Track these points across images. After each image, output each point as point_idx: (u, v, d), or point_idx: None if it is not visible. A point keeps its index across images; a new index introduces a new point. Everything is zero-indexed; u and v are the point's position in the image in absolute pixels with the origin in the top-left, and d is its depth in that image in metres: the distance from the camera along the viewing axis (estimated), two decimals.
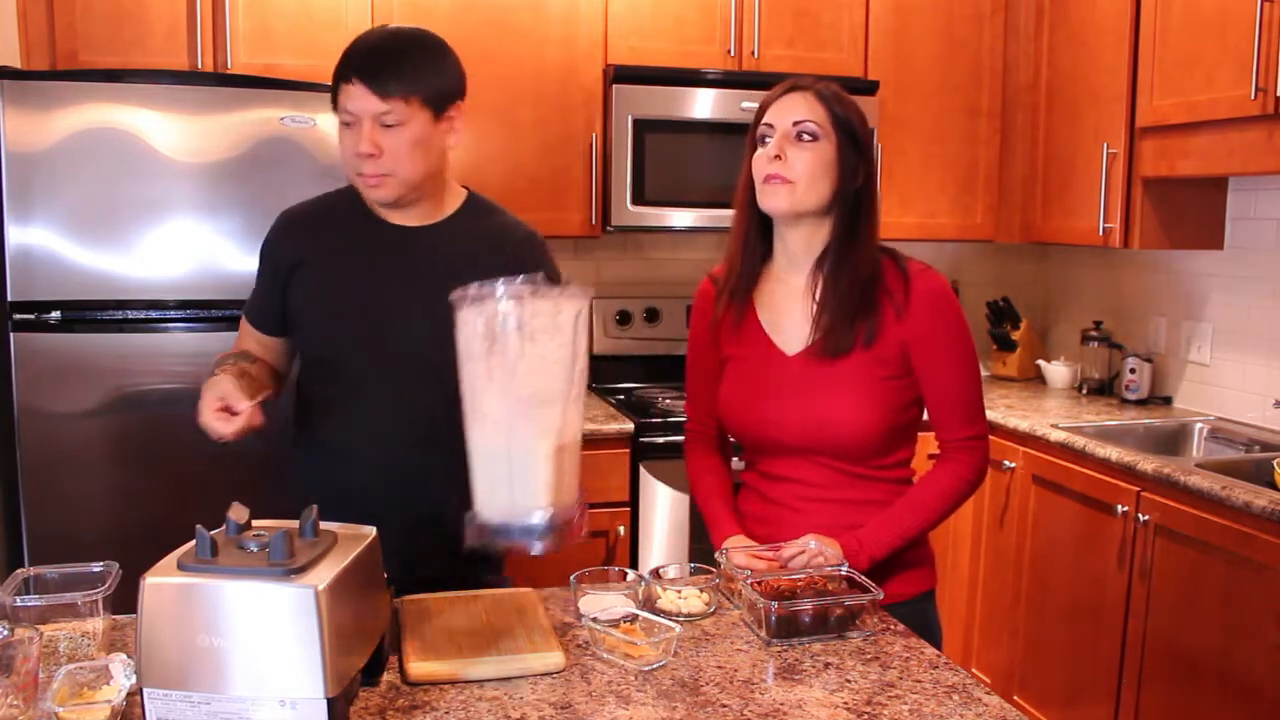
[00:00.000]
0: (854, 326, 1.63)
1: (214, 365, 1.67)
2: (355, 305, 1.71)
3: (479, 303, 1.13)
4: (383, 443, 1.71)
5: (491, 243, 1.73)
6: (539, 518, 1.14)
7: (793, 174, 1.61)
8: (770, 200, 1.64)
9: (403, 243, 1.72)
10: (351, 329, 1.71)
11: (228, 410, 1.50)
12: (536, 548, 1.16)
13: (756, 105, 1.69)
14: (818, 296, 1.66)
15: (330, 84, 1.66)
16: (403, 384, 1.69)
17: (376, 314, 1.70)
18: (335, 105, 1.65)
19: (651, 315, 3.55)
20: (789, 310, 1.70)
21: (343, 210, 1.75)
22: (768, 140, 1.64)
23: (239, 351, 1.79)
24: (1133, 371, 3.34)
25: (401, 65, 1.60)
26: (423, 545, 1.62)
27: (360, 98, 1.58)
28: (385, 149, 1.60)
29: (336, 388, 1.74)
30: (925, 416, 1.72)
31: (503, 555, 1.85)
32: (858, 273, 1.63)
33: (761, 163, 1.64)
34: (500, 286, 1.13)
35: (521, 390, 1.11)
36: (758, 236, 1.71)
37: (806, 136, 1.62)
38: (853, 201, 1.65)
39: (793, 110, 1.63)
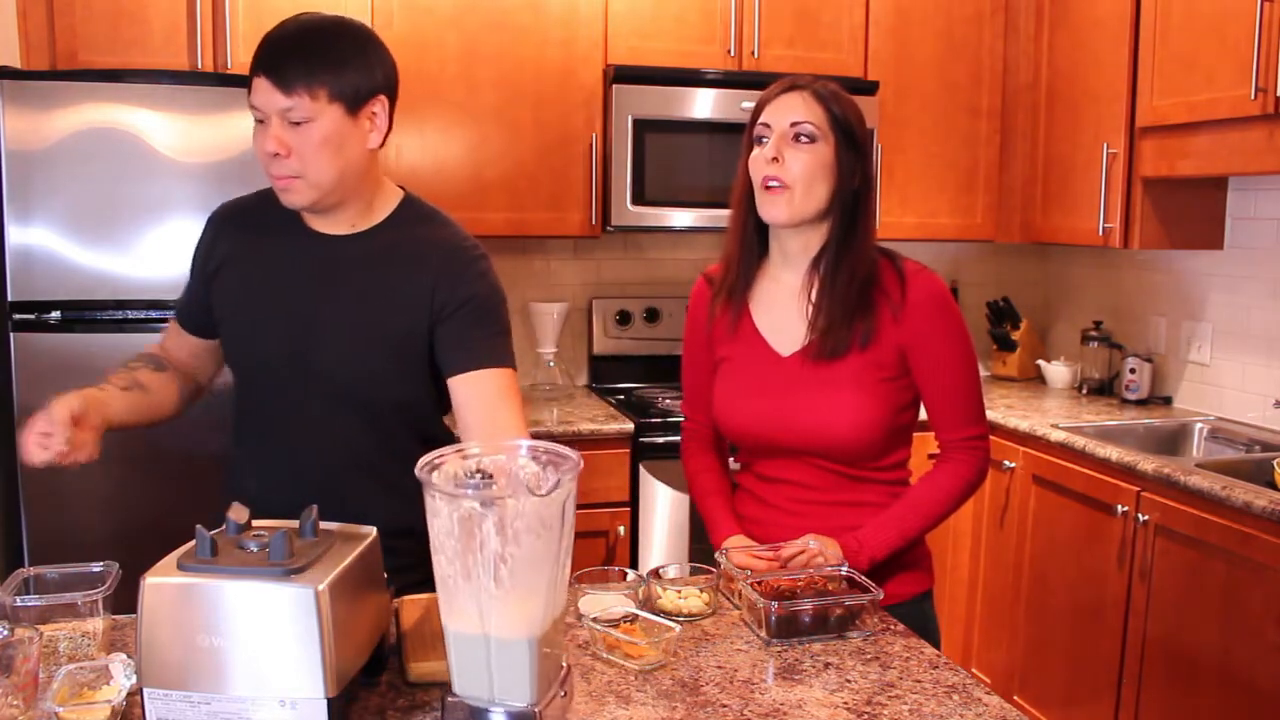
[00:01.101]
0: (851, 328, 1.62)
1: (117, 367, 1.61)
2: (272, 316, 1.60)
3: (451, 499, 1.01)
4: (302, 463, 1.60)
5: (416, 258, 1.59)
6: (522, 708, 1.06)
7: (790, 177, 1.60)
8: (769, 210, 1.63)
9: (322, 252, 1.60)
10: (268, 341, 1.60)
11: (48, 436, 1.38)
12: None
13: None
14: (813, 298, 1.66)
15: None
16: (322, 402, 1.59)
17: (292, 327, 1.58)
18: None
19: (651, 315, 3.55)
20: (784, 311, 1.70)
21: (275, 211, 1.60)
22: (764, 140, 1.64)
23: (149, 355, 1.71)
24: (1133, 371, 3.34)
25: (308, 57, 1.47)
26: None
27: (264, 92, 1.47)
28: (293, 148, 1.48)
29: (258, 400, 1.65)
30: (923, 417, 1.71)
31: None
32: (854, 273, 1.63)
33: (759, 164, 1.63)
34: (478, 481, 1.03)
35: (500, 591, 1.02)
36: (755, 236, 1.71)
37: (804, 138, 1.61)
38: (850, 203, 1.64)
39: (790, 110, 1.62)
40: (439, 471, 1.06)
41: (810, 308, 1.66)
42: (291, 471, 1.60)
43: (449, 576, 1.04)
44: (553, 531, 1.02)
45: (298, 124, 1.47)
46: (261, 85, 1.48)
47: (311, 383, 1.58)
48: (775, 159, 1.61)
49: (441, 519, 1.02)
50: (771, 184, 1.62)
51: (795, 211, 1.62)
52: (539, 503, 1.00)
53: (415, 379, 1.61)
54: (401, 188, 1.68)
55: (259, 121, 1.50)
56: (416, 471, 1.05)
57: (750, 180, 1.66)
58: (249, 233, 1.65)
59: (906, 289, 1.63)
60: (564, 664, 1.15)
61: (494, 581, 1.01)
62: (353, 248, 1.60)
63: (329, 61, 1.48)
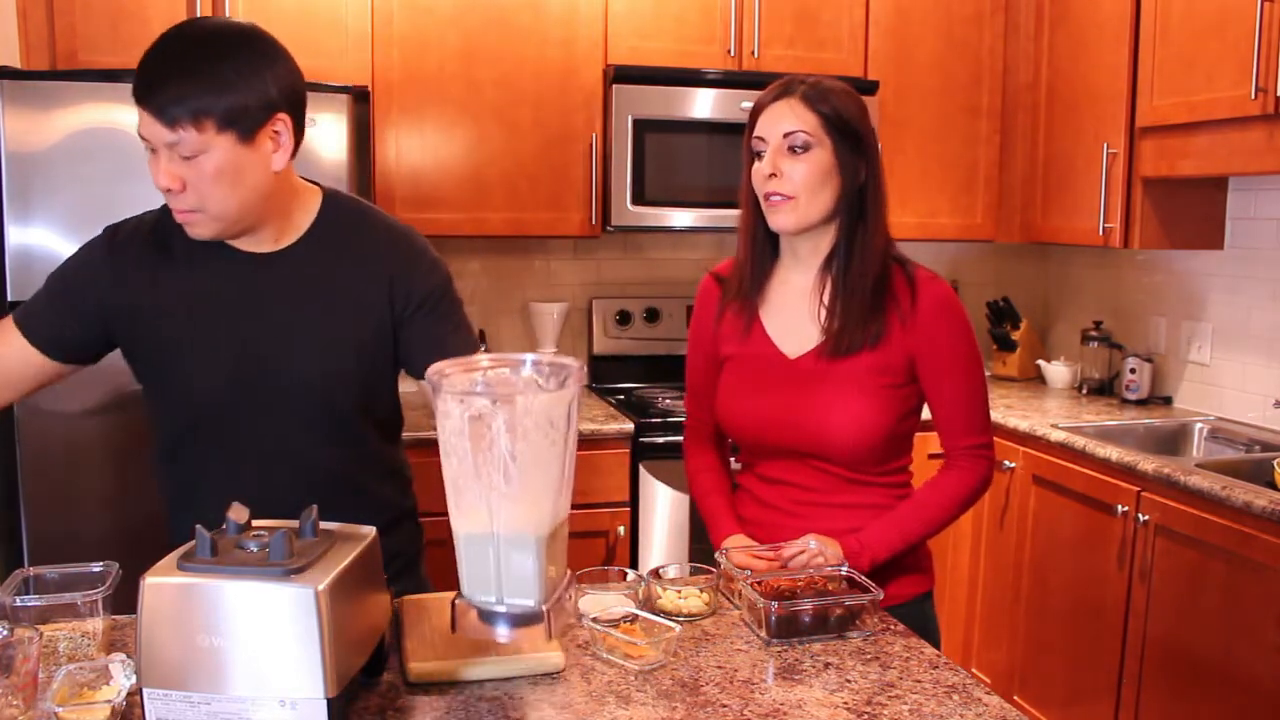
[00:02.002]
0: (865, 327, 1.62)
1: None
2: (214, 349, 1.48)
3: (462, 398, 1.04)
4: (273, 485, 1.46)
5: (361, 259, 1.53)
6: (530, 611, 1.09)
7: (791, 188, 1.59)
8: (776, 219, 1.63)
9: (256, 272, 1.49)
10: (214, 375, 1.49)
11: None
12: (529, 636, 1.13)
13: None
14: (825, 299, 1.65)
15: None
16: (283, 421, 1.51)
17: (240, 357, 1.49)
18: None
19: (651, 315, 3.55)
20: (794, 313, 1.69)
21: (181, 235, 1.47)
22: (762, 154, 1.63)
23: None
24: (1133, 371, 3.34)
25: (187, 84, 1.33)
26: None
27: (148, 124, 1.34)
28: (187, 181, 1.36)
29: (210, 435, 1.52)
30: (924, 417, 1.71)
31: (417, 560, 1.74)
32: (866, 269, 1.62)
33: (759, 179, 1.62)
34: (490, 376, 1.07)
35: (510, 489, 1.05)
36: (766, 241, 1.69)
37: (799, 148, 1.59)
38: (857, 199, 1.63)
39: (781, 121, 1.60)
40: (447, 380, 1.08)
41: (822, 309, 1.65)
42: (260, 497, 1.38)
43: (458, 477, 1.06)
44: (559, 431, 1.04)
45: (187, 158, 1.35)
46: (145, 117, 1.34)
47: (271, 404, 1.50)
48: (774, 175, 1.60)
49: (452, 420, 1.03)
50: (774, 198, 1.61)
51: (802, 219, 1.62)
52: (547, 400, 1.03)
53: (379, 379, 1.58)
54: (315, 183, 1.58)
55: (152, 151, 1.37)
56: (428, 376, 1.07)
57: (755, 190, 1.65)
58: (161, 264, 1.50)
59: (917, 296, 1.62)
60: (568, 572, 1.16)
61: (504, 479, 1.03)
62: (283, 264, 1.51)
63: (213, 87, 1.33)
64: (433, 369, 1.08)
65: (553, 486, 1.06)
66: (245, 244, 1.50)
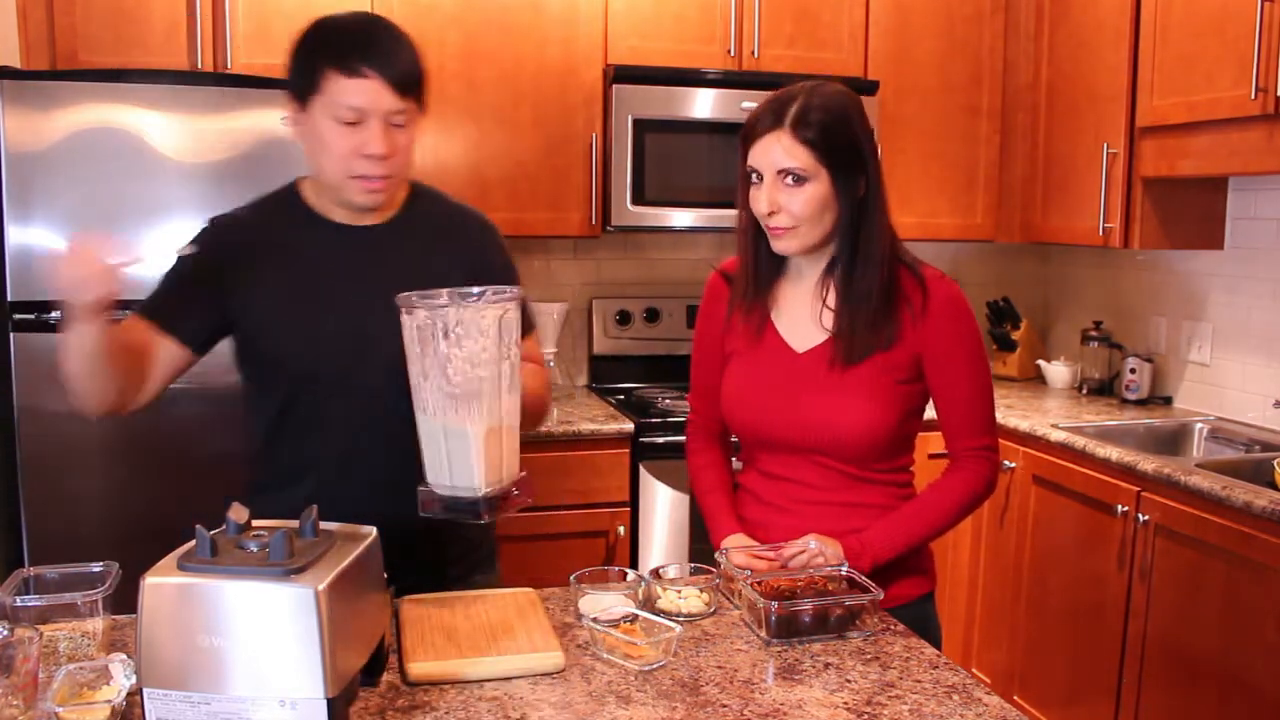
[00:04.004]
0: (876, 333, 1.61)
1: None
2: (326, 318, 1.57)
3: (412, 310, 1.28)
4: (369, 458, 1.58)
5: (447, 232, 1.66)
6: (473, 495, 1.30)
7: (791, 220, 1.58)
8: (779, 246, 1.62)
9: (364, 242, 1.59)
10: (326, 345, 1.57)
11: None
12: (480, 519, 1.33)
13: (756, 106, 1.63)
14: (828, 301, 1.65)
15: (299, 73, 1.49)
16: (386, 391, 1.53)
17: (351, 324, 1.56)
18: (307, 94, 1.47)
19: (651, 315, 3.55)
20: (800, 308, 1.69)
21: (282, 217, 1.59)
22: (758, 181, 1.61)
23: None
24: (1133, 371, 3.34)
25: (413, 60, 1.49)
26: (411, 553, 1.49)
27: (373, 93, 1.44)
28: (396, 149, 1.49)
29: (312, 409, 1.60)
30: (927, 417, 1.71)
31: (494, 553, 1.81)
32: (869, 277, 1.60)
33: (758, 206, 1.60)
34: (433, 298, 1.26)
35: (450, 385, 1.27)
36: (768, 250, 1.67)
37: (793, 180, 1.57)
38: (854, 212, 1.60)
39: (773, 158, 1.57)
40: (404, 301, 1.30)
41: (826, 310, 1.65)
42: (357, 475, 1.58)
43: (415, 378, 1.31)
44: (489, 338, 1.27)
45: (399, 126, 1.48)
46: (370, 86, 1.44)
47: (374, 371, 1.53)
48: (773, 212, 1.59)
49: (409, 332, 1.29)
50: (776, 229, 1.61)
51: (804, 243, 1.61)
52: (472, 310, 1.26)
53: None
54: None
55: (343, 121, 1.46)
56: (396, 300, 1.29)
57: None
58: (270, 244, 1.59)
59: (928, 296, 1.62)
60: (522, 472, 1.37)
61: (444, 379, 1.27)
62: (391, 233, 1.62)
63: (419, 66, 1.51)
64: (400, 296, 1.29)
65: (488, 387, 1.27)
66: (342, 217, 1.60)
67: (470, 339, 1.26)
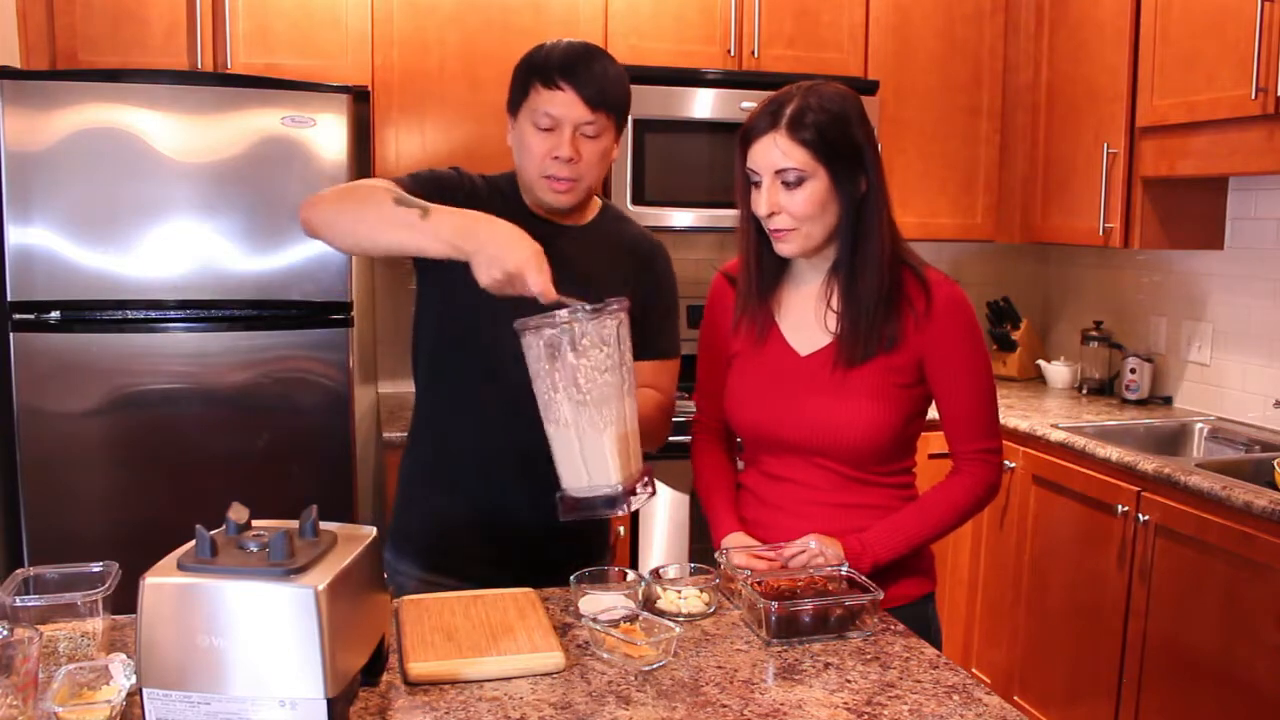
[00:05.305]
0: (879, 335, 1.61)
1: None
2: (519, 303, 1.57)
3: (537, 330, 1.36)
4: (527, 434, 1.55)
5: (628, 248, 1.81)
6: (612, 491, 1.38)
7: (792, 221, 1.58)
8: (782, 248, 1.62)
9: (557, 238, 1.65)
10: (501, 318, 1.57)
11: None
12: (617, 512, 1.40)
13: (755, 106, 1.63)
14: (833, 304, 1.65)
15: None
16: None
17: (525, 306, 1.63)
18: (518, 103, 1.68)
19: None
20: (804, 311, 1.69)
21: (502, 199, 1.75)
22: (757, 182, 1.61)
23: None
24: (1133, 371, 3.34)
25: (608, 80, 1.66)
26: (551, 534, 1.63)
27: (568, 104, 1.62)
28: (582, 156, 1.66)
29: (478, 381, 1.74)
30: (929, 417, 1.71)
31: (607, 542, 1.96)
32: (872, 279, 1.60)
33: (759, 209, 1.60)
34: (555, 315, 1.35)
35: (581, 394, 1.36)
36: (771, 252, 1.67)
37: (793, 183, 1.57)
38: (855, 210, 1.60)
39: (770, 159, 1.57)
40: (524, 322, 1.37)
41: (830, 313, 1.65)
42: (508, 445, 1.72)
43: (545, 392, 1.38)
44: (610, 347, 1.37)
45: (589, 136, 1.65)
46: (566, 98, 1.62)
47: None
48: (774, 213, 1.59)
49: (535, 350, 1.37)
50: (777, 231, 1.61)
51: (806, 244, 1.61)
52: (595, 323, 1.35)
53: None
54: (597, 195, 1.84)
55: (541, 128, 1.64)
56: (515, 325, 1.36)
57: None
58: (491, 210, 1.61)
59: (931, 298, 1.61)
60: (647, 465, 1.45)
61: (575, 388, 1.35)
62: (583, 236, 1.77)
63: (620, 89, 1.68)
64: (517, 321, 1.37)
65: (614, 391, 1.37)
66: (549, 217, 1.74)
67: (595, 349, 1.36)
